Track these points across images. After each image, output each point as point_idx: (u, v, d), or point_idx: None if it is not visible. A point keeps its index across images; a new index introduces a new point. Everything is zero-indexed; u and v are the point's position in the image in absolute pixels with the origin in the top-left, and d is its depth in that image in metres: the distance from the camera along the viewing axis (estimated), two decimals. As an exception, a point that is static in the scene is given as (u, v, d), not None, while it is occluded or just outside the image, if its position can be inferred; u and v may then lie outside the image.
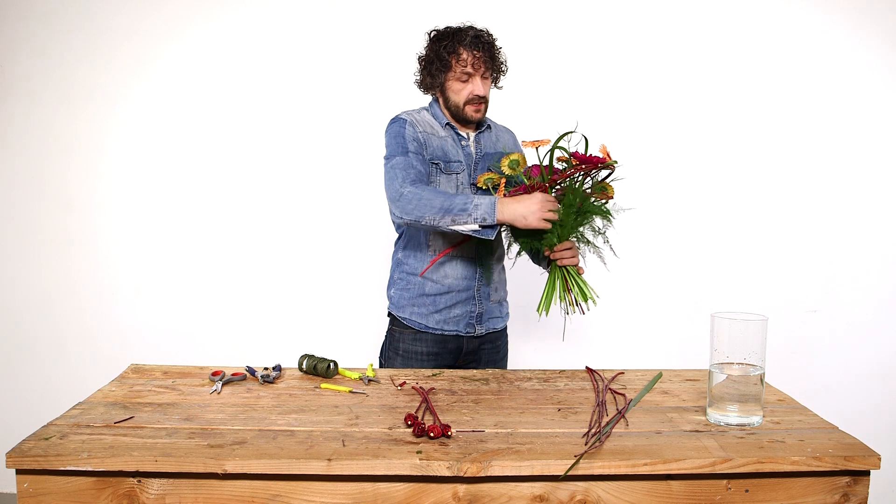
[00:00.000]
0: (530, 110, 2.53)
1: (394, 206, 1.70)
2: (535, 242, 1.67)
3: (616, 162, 1.64)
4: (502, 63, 1.85)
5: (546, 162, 1.69)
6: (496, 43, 1.82)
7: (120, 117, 2.65)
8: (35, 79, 2.63)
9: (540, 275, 1.88)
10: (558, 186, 1.66)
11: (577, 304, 1.66)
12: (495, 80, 1.86)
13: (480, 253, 1.85)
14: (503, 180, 1.73)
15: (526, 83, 2.54)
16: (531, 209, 1.59)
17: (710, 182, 2.61)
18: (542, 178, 1.66)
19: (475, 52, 1.75)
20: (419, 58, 1.86)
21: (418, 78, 1.88)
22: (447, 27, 1.81)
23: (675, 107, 2.60)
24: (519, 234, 1.70)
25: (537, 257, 1.88)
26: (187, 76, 2.64)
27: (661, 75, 2.59)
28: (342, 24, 2.60)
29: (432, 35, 1.82)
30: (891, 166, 2.56)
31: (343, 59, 2.61)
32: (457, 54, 1.75)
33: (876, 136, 2.56)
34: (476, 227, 1.62)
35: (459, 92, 1.79)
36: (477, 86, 1.77)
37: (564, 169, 1.65)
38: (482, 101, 1.80)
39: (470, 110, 1.80)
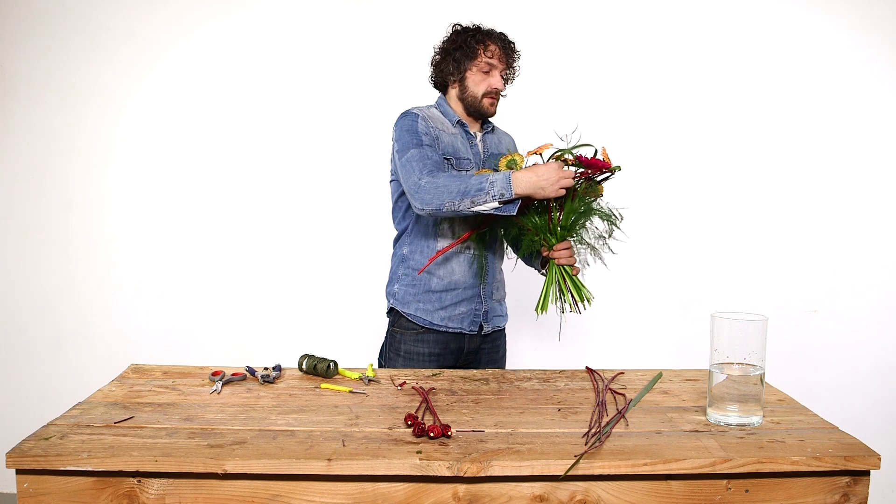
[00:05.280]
0: (529, 110, 2.53)
1: (413, 199, 1.69)
2: (535, 243, 1.67)
3: (619, 167, 1.64)
4: (517, 68, 1.91)
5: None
6: (516, 48, 1.89)
7: (120, 117, 2.65)
8: (35, 79, 2.63)
9: (538, 276, 1.88)
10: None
11: (574, 304, 1.66)
12: (506, 82, 1.90)
13: (481, 249, 1.85)
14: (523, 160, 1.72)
15: (525, 83, 2.55)
16: (549, 178, 1.57)
17: (710, 182, 2.61)
18: None
19: (501, 46, 1.84)
20: (439, 48, 1.89)
21: (435, 69, 1.90)
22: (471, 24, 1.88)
23: (674, 107, 2.60)
24: (515, 228, 1.70)
25: (533, 258, 1.89)
26: (187, 76, 2.64)
27: (660, 75, 2.59)
28: (342, 24, 2.60)
29: (458, 28, 1.88)
30: (891, 167, 2.56)
31: (341, 58, 2.61)
32: (484, 45, 1.83)
33: (876, 137, 2.56)
34: (496, 203, 1.59)
35: (480, 83, 1.84)
36: (496, 79, 1.84)
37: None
38: (498, 94, 1.86)
39: (487, 103, 1.85)
